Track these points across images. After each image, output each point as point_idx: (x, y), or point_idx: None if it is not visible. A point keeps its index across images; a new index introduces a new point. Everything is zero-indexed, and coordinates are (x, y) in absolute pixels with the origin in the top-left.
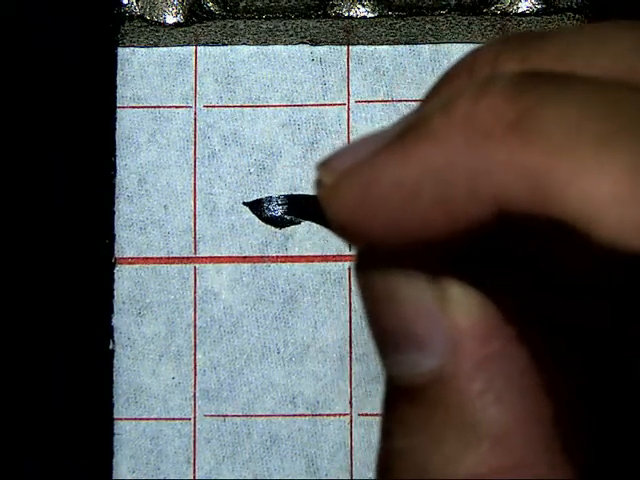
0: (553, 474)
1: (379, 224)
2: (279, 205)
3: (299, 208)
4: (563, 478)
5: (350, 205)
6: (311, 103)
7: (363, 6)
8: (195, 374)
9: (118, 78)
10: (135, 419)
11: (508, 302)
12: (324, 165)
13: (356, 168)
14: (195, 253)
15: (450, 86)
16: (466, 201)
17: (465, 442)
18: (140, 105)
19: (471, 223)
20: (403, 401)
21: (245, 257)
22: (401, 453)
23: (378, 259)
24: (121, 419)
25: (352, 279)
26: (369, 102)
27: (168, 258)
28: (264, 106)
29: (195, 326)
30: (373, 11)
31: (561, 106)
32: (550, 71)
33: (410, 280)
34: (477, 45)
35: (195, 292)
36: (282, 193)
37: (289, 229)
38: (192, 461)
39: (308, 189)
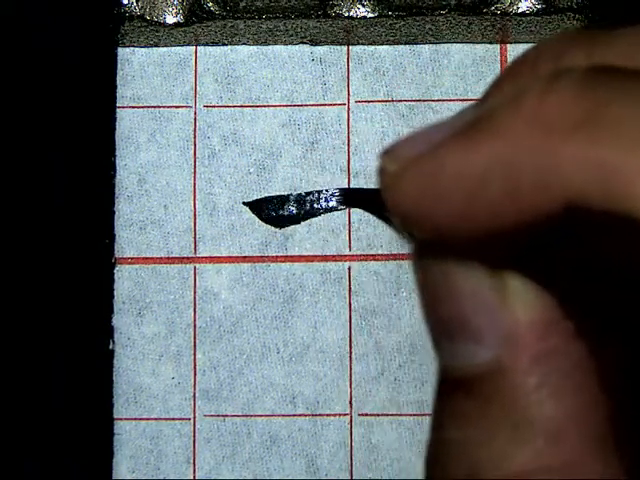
0: (607, 473)
1: (444, 214)
2: (333, 197)
3: (355, 199)
4: (617, 477)
5: (415, 194)
6: (311, 103)
7: (363, 6)
8: (195, 374)
9: (118, 78)
10: (135, 419)
11: (567, 297)
12: (388, 153)
13: (422, 157)
14: (195, 253)
15: (513, 81)
16: (534, 194)
17: (519, 437)
18: (140, 105)
19: (537, 216)
20: (457, 392)
21: (245, 257)
22: (453, 445)
23: (438, 248)
24: (121, 419)
25: (352, 279)
26: (369, 102)
27: (168, 258)
28: (264, 106)
29: (195, 326)
30: (373, 11)
31: (632, 102)
32: (618, 67)
33: (470, 271)
34: (540, 41)
35: (195, 292)
36: (282, 193)
37: (289, 229)
38: (192, 461)
39: (308, 189)
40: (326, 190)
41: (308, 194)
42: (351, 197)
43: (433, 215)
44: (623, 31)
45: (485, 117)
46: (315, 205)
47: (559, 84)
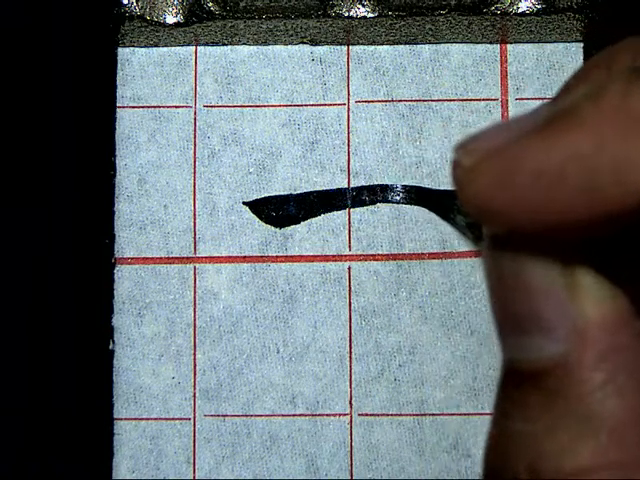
0: None
1: (519, 208)
2: (401, 193)
3: (422, 198)
4: None
5: (490, 187)
6: (311, 103)
7: (363, 6)
8: (195, 374)
9: (118, 78)
10: (135, 419)
11: (637, 296)
12: (463, 147)
13: (498, 151)
14: (195, 253)
15: (589, 79)
16: (613, 190)
17: (583, 433)
18: (140, 105)
19: (614, 212)
20: (524, 385)
21: (245, 257)
22: (517, 436)
23: (511, 242)
24: (121, 419)
25: (352, 279)
26: (369, 102)
27: (168, 258)
28: (264, 106)
29: (195, 326)
30: (373, 11)
31: None
32: None
33: (542, 265)
34: (616, 43)
35: (195, 292)
36: (282, 193)
37: (289, 229)
38: (192, 461)
39: (308, 189)
40: (392, 186)
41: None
42: (419, 195)
43: (509, 209)
44: None
45: (565, 112)
46: (378, 198)
47: None
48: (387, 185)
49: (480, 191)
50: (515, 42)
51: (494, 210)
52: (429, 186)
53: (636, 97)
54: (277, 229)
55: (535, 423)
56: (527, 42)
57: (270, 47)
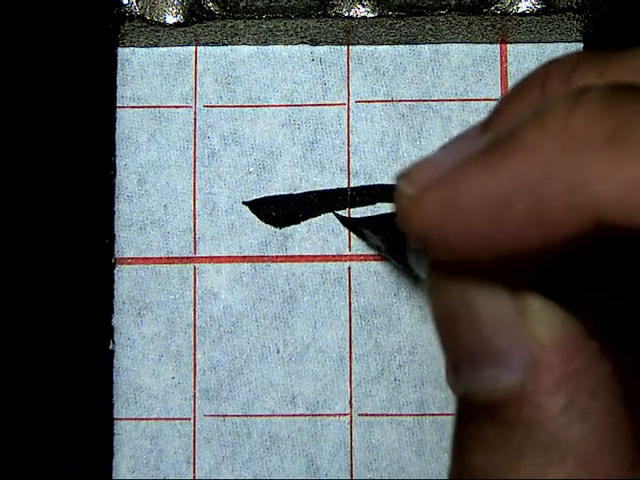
0: None
1: (465, 237)
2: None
3: (373, 225)
4: None
5: (434, 217)
6: (311, 103)
7: (363, 6)
8: (195, 374)
9: (118, 78)
10: (135, 419)
11: (591, 316)
12: (405, 176)
13: (441, 180)
14: (195, 253)
15: (525, 100)
16: (562, 214)
17: (549, 461)
18: (140, 105)
19: (564, 237)
20: (481, 418)
21: (245, 257)
22: (480, 471)
23: (455, 270)
24: (121, 419)
25: (352, 279)
26: (369, 102)
27: (168, 258)
28: (264, 106)
29: (195, 326)
30: (373, 11)
31: None
32: (636, 84)
33: (491, 293)
34: (550, 60)
35: (195, 292)
36: (282, 193)
37: (289, 229)
38: (192, 461)
39: (308, 189)
40: (392, 186)
41: (309, 194)
42: (357, 224)
43: (452, 238)
44: (632, 50)
45: (506, 136)
46: (378, 198)
47: (585, 101)
48: (387, 185)
49: (423, 221)
50: (515, 42)
51: (438, 240)
52: None
53: (579, 119)
54: (277, 229)
55: (496, 456)
56: (527, 42)
57: (270, 47)
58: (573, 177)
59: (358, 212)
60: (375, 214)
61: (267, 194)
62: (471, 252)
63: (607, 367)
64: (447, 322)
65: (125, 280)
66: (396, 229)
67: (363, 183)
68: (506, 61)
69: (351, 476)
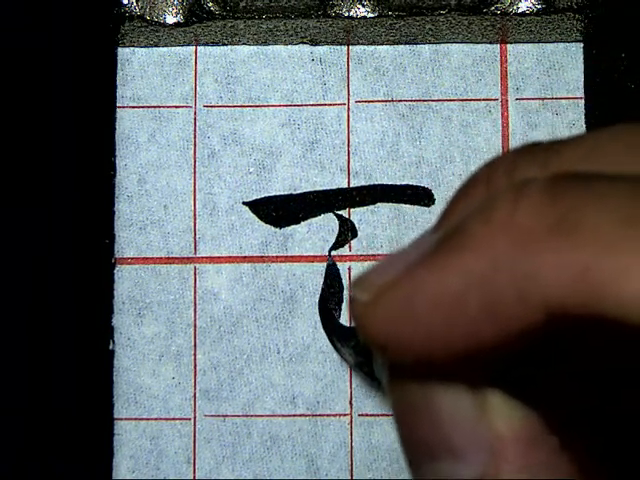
0: None
1: (421, 338)
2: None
3: (344, 335)
4: None
5: (389, 321)
6: (311, 103)
7: (363, 6)
8: (195, 374)
9: (118, 78)
10: (135, 419)
11: (551, 411)
12: (359, 283)
13: (394, 283)
14: (195, 253)
15: (470, 196)
16: (515, 307)
17: None
18: (140, 105)
19: (518, 330)
20: None
21: (245, 257)
22: None
23: (414, 370)
24: (121, 419)
25: (352, 279)
26: (369, 102)
27: (168, 258)
28: (264, 106)
29: (195, 326)
30: (373, 11)
31: (602, 204)
32: (579, 172)
33: (449, 390)
34: (487, 161)
35: (195, 292)
36: (282, 193)
37: (289, 229)
38: (192, 461)
39: (308, 189)
40: (392, 186)
41: (308, 194)
42: (330, 335)
43: (408, 340)
44: (572, 139)
45: (454, 233)
46: (378, 198)
47: (528, 192)
48: (387, 185)
49: (378, 325)
50: (515, 42)
51: (395, 342)
52: (428, 186)
53: (523, 211)
54: (277, 229)
55: None
56: (527, 42)
57: (270, 47)
58: (522, 268)
59: (358, 212)
60: (348, 325)
61: (267, 194)
62: (428, 352)
63: (567, 462)
64: (408, 419)
65: (125, 280)
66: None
67: (363, 183)
68: (506, 61)
69: (351, 476)
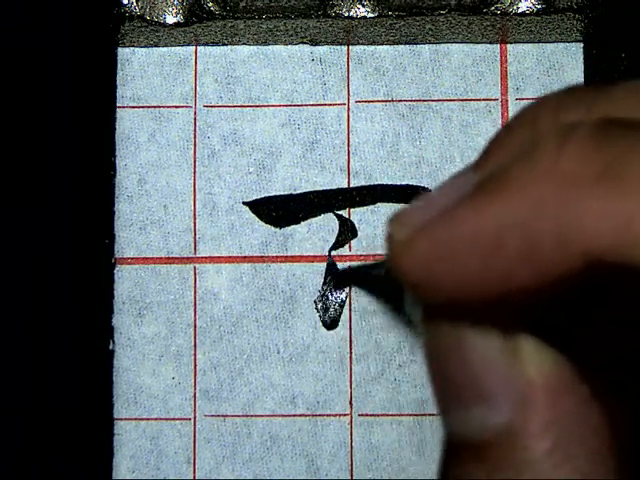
0: None
1: (456, 280)
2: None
3: (348, 278)
4: None
5: (426, 260)
6: (311, 103)
7: (363, 6)
8: (195, 374)
9: (118, 78)
10: (135, 419)
11: (582, 359)
12: (396, 220)
13: (432, 223)
14: (195, 253)
15: (515, 139)
16: (553, 253)
17: None
18: (140, 105)
19: (556, 276)
20: (467, 457)
21: (245, 257)
22: None
23: (448, 312)
24: (121, 419)
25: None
26: (369, 102)
27: (168, 258)
28: (264, 106)
29: (195, 326)
30: (373, 11)
31: None
32: (627, 119)
33: (482, 334)
34: (542, 97)
35: (195, 292)
36: (282, 193)
37: (289, 229)
38: (192, 461)
39: (308, 189)
40: (392, 186)
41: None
42: (346, 276)
43: (444, 282)
44: (620, 85)
45: (497, 176)
46: (378, 198)
47: (574, 138)
48: (387, 185)
49: (415, 264)
50: (515, 42)
51: (430, 283)
52: (428, 186)
53: (568, 156)
54: (277, 229)
55: None
56: (527, 42)
57: (270, 47)
58: (564, 215)
59: (358, 212)
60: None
61: (267, 194)
62: (463, 293)
63: (597, 413)
64: (438, 362)
65: (125, 280)
66: (391, 276)
67: (363, 183)
68: (506, 61)
69: (351, 476)
